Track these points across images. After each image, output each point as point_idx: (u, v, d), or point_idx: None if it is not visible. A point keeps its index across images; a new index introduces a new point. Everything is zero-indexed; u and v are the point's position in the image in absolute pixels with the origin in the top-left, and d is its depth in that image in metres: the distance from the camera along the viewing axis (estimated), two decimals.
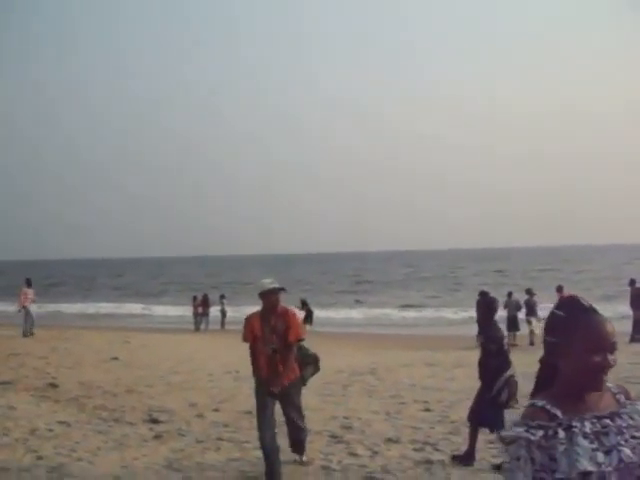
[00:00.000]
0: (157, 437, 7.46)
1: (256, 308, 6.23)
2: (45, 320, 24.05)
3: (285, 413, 6.18)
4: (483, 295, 7.22)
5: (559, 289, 19.12)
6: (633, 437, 1.84)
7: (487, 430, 6.47)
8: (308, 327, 24.11)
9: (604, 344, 1.85)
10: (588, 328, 1.86)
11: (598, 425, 1.84)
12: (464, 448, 6.49)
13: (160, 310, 38.53)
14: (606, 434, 1.83)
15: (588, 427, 1.82)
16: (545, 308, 19.25)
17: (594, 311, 1.90)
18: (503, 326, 9.63)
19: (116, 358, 14.16)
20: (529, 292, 19.45)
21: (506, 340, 6.47)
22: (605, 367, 1.85)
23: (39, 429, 7.74)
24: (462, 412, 7.13)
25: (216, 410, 8.87)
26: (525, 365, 11.06)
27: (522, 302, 19.22)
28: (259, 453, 6.07)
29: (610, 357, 1.85)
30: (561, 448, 1.78)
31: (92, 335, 20.28)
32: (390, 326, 28.56)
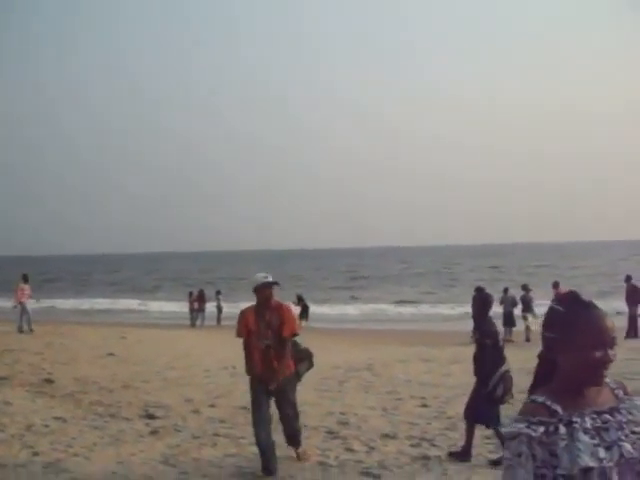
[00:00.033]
0: (153, 433, 7.46)
1: (252, 303, 6.24)
2: (40, 316, 23.99)
3: (280, 409, 6.16)
4: (479, 291, 7.22)
5: (555, 285, 19.19)
6: (633, 432, 1.83)
7: (483, 426, 6.49)
8: (304, 323, 24.16)
9: (605, 339, 1.85)
10: (589, 323, 1.86)
11: (598, 421, 1.83)
12: (461, 444, 6.50)
13: (156, 306, 38.48)
14: (606, 429, 1.82)
15: (589, 423, 1.82)
16: (541, 304, 19.38)
17: (594, 306, 1.90)
18: (498, 322, 9.66)
19: (112, 354, 14.13)
20: (525, 288, 19.50)
21: (501, 335, 6.48)
22: (606, 362, 1.84)
23: (35, 425, 7.72)
24: (459, 408, 7.14)
25: (212, 406, 8.87)
26: (521, 361, 11.09)
27: (518, 298, 19.26)
28: (255, 449, 6.08)
29: (610, 352, 1.85)
30: (562, 444, 1.77)
31: (88, 331, 20.24)
32: (386, 322, 28.60)
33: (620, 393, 1.95)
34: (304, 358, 6.44)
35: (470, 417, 6.43)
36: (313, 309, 27.96)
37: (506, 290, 19.77)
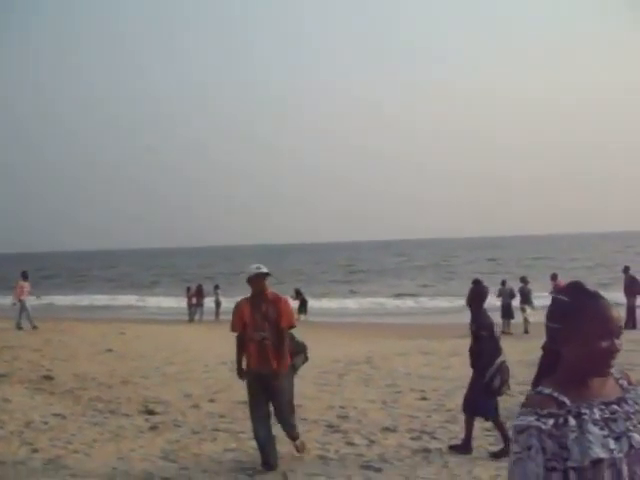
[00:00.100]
0: (153, 428, 7.44)
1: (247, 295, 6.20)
2: (39, 312, 23.87)
3: (275, 405, 6.05)
4: (476, 283, 7.21)
5: (553, 277, 19.19)
6: None
7: (481, 418, 6.48)
8: (303, 317, 24.19)
9: (612, 328, 1.82)
10: (596, 313, 1.83)
11: (607, 412, 1.81)
12: (461, 436, 6.49)
13: (154, 301, 38.44)
14: (615, 420, 1.80)
15: (597, 414, 1.79)
16: (539, 296, 19.39)
17: (600, 296, 1.87)
18: (495, 314, 9.62)
19: (111, 350, 14.11)
20: (523, 280, 19.49)
21: (497, 327, 6.47)
22: (613, 352, 1.82)
23: (34, 422, 7.70)
24: (458, 400, 7.13)
25: (212, 401, 8.85)
26: (519, 353, 11.13)
27: (516, 290, 19.25)
28: (255, 443, 6.06)
29: (617, 342, 1.83)
30: (572, 436, 1.75)
31: (86, 327, 20.21)
32: (384, 315, 28.59)
33: (624, 383, 1.92)
34: (300, 351, 6.40)
35: (468, 409, 6.42)
36: (312, 303, 27.98)
37: (504, 282, 19.76)
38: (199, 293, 26.89)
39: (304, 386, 8.77)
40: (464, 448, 6.31)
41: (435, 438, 6.84)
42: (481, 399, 6.27)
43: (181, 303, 29.52)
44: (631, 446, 1.76)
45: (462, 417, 6.77)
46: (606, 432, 1.77)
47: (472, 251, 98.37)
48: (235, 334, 6.11)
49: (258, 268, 5.99)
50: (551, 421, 1.76)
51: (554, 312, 1.92)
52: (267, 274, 5.99)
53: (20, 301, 19.21)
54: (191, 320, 26.12)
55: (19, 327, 18.87)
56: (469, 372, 6.58)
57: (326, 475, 5.78)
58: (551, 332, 1.93)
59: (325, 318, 25.74)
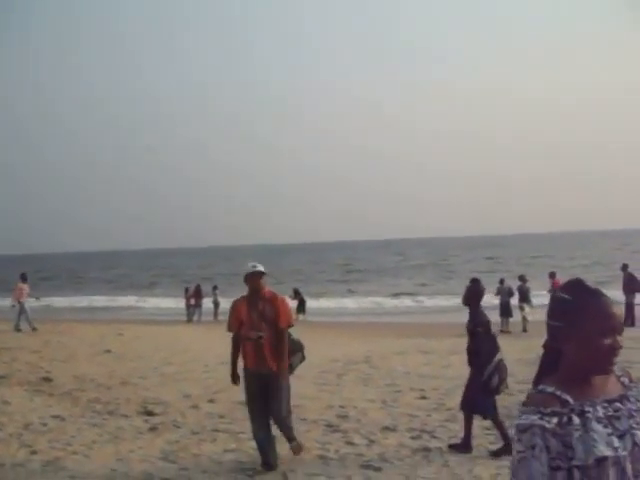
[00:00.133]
0: (152, 429, 7.42)
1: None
2: (37, 314, 23.85)
3: (272, 406, 5.96)
4: (473, 282, 7.20)
5: (552, 275, 19.20)
6: None
7: (480, 416, 6.47)
8: (301, 317, 24.18)
9: (614, 325, 1.81)
10: (598, 310, 1.82)
11: (610, 409, 1.80)
12: (461, 435, 6.48)
13: (153, 302, 38.43)
14: (618, 418, 1.79)
15: (601, 412, 1.78)
16: (537, 295, 19.39)
17: (602, 293, 1.86)
18: (493, 313, 9.62)
19: (109, 351, 14.09)
20: (522, 279, 19.49)
21: (497, 326, 6.47)
22: (616, 349, 1.81)
23: (33, 423, 7.68)
24: (458, 399, 7.11)
25: (211, 401, 8.83)
26: (518, 351, 11.12)
27: (514, 288, 19.25)
28: (255, 444, 6.05)
29: (619, 339, 1.82)
30: (576, 434, 1.73)
31: (85, 328, 20.18)
32: (383, 314, 28.59)
33: (626, 381, 1.91)
34: (297, 350, 6.35)
35: (466, 407, 6.41)
36: (311, 303, 27.96)
37: (502, 281, 19.76)
38: (197, 294, 26.88)
39: (303, 386, 8.76)
40: (464, 447, 6.30)
41: (435, 437, 6.83)
42: (479, 397, 6.27)
43: (180, 304, 29.48)
44: (635, 444, 1.75)
45: (462, 416, 6.77)
46: (610, 430, 1.75)
47: (471, 250, 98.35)
48: (231, 334, 6.08)
49: (254, 266, 5.95)
50: (555, 420, 1.74)
51: (555, 310, 1.91)
52: (263, 273, 5.96)
53: (19, 303, 19.19)
54: (189, 320, 26.12)
55: (17, 329, 18.84)
56: (468, 370, 6.57)
57: (326, 475, 5.77)
58: (552, 330, 1.91)
59: (323, 318, 25.73)
